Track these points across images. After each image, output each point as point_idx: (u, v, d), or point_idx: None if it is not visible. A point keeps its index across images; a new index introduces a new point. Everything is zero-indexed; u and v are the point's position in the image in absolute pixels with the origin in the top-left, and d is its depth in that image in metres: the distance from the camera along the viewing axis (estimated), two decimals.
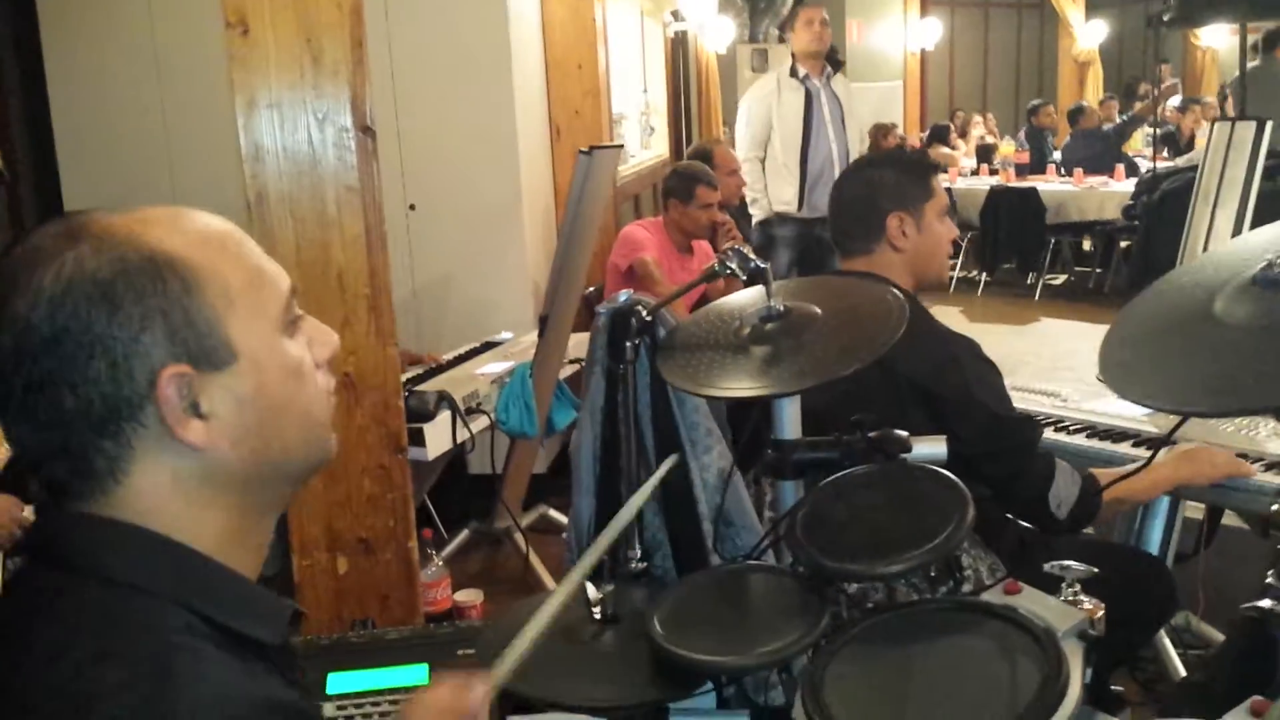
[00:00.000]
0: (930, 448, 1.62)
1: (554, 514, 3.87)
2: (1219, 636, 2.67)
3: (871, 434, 1.61)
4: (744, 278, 1.58)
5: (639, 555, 1.74)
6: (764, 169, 4.95)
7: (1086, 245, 8.86)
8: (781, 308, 1.58)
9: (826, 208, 5.39)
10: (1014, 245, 8.33)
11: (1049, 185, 8.36)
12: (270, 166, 1.85)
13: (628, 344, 1.71)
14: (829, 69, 5.06)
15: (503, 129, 4.15)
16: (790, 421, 1.65)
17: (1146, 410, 2.61)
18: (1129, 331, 1.14)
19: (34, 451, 0.81)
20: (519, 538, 3.59)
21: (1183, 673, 2.50)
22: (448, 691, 1.03)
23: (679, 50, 7.43)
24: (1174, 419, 2.46)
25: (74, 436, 0.79)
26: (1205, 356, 1.03)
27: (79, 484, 0.81)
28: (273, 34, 1.79)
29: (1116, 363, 1.11)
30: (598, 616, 1.57)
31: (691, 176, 4.01)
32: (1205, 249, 2.66)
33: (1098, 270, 8.54)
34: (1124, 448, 2.37)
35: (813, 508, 1.53)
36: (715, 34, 8.42)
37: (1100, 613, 1.35)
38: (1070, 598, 1.37)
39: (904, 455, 1.60)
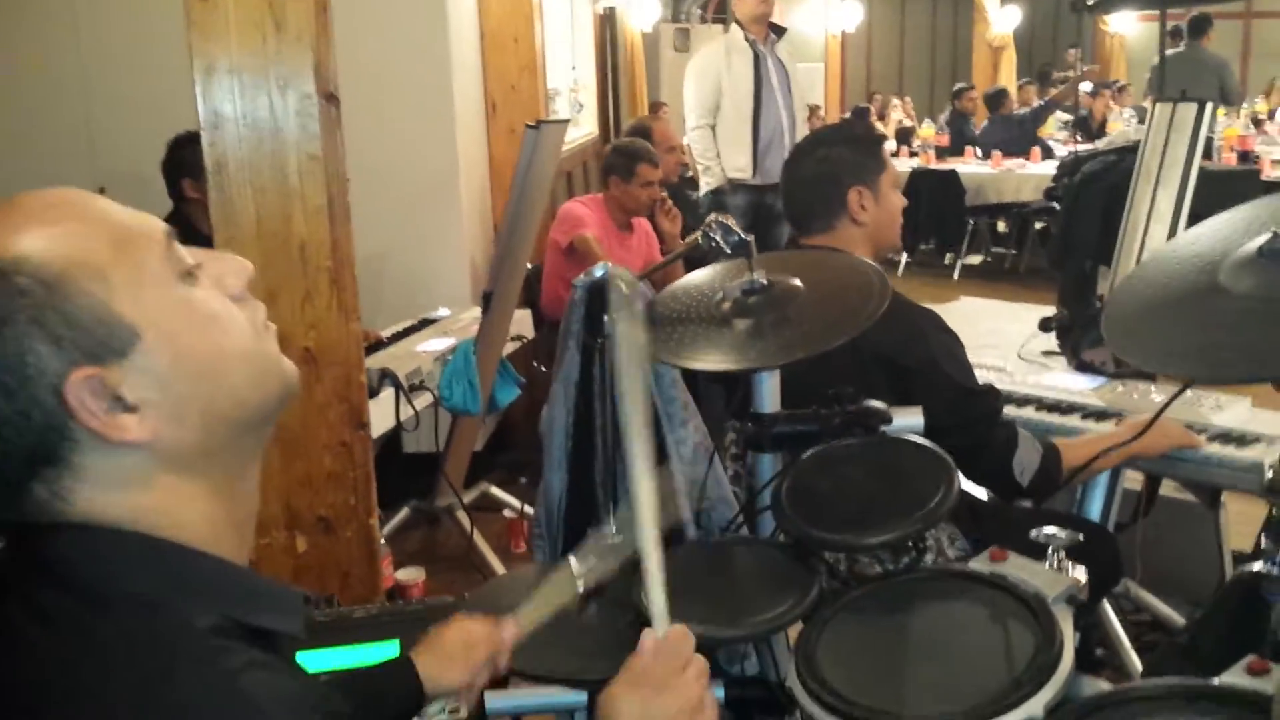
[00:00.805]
0: (908, 419, 1.64)
1: (495, 491, 3.84)
2: (1156, 603, 2.76)
3: (850, 407, 1.63)
4: (728, 250, 1.57)
5: (615, 530, 1.73)
6: (714, 136, 4.92)
7: (1001, 227, 9.07)
8: (765, 281, 1.58)
9: (778, 175, 5.41)
10: (934, 226, 8.48)
11: (968, 167, 8.52)
12: (230, 134, 1.79)
13: (605, 317, 1.69)
14: (773, 35, 5.06)
15: (440, 103, 4.08)
16: (770, 395, 1.66)
17: (1090, 384, 2.68)
18: (1132, 300, 1.16)
19: None
20: (462, 515, 3.55)
21: (1124, 638, 2.58)
22: (482, 624, 1.22)
23: (607, 28, 7.39)
24: (1120, 391, 2.54)
25: (7, 474, 0.74)
26: (1213, 325, 1.06)
27: (26, 514, 0.75)
28: None
29: (1123, 330, 1.13)
30: (581, 590, 1.56)
31: (633, 154, 3.99)
32: (1147, 228, 2.73)
33: (1013, 251, 8.76)
34: (1073, 420, 2.42)
35: (796, 479, 1.54)
36: (640, 12, 8.40)
37: (1085, 578, 1.38)
38: (1056, 564, 1.39)
39: (883, 427, 1.62)
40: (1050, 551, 1.41)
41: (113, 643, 0.72)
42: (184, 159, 3.13)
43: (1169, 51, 6.58)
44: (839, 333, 1.51)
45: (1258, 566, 1.18)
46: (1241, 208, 1.21)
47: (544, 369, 4.34)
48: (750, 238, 1.57)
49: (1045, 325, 6.34)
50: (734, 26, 5.08)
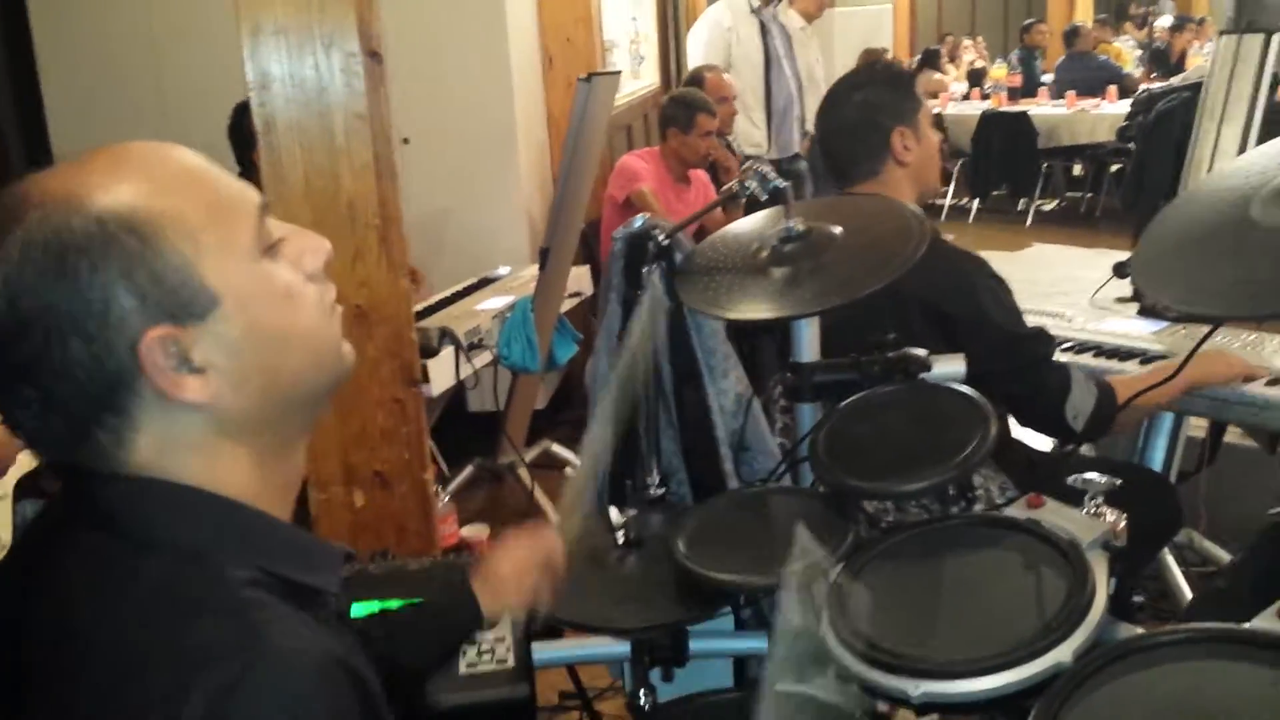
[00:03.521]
0: (949, 366, 1.63)
1: (557, 449, 3.89)
2: (1220, 553, 2.71)
3: (890, 354, 1.62)
4: (764, 197, 1.57)
5: (657, 481, 1.75)
6: None
7: (1077, 170, 8.84)
8: (801, 228, 1.57)
9: (794, 147, 5.29)
10: (1006, 171, 8.29)
11: (1041, 109, 8.30)
12: (278, 94, 1.82)
13: (644, 270, 1.69)
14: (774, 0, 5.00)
15: (496, 58, 4.09)
16: (809, 343, 1.66)
17: (1151, 328, 2.62)
18: (1163, 238, 1.14)
19: (33, 435, 0.79)
20: (523, 473, 3.61)
21: (1186, 589, 2.54)
22: (526, 542, 1.29)
23: None
24: (1182, 335, 2.49)
25: (73, 417, 0.77)
26: (1244, 260, 1.03)
27: (86, 458, 0.79)
28: None
29: (1153, 269, 1.11)
30: (621, 541, 1.58)
31: (691, 104, 3.96)
32: (1210, 166, 2.65)
33: (1088, 195, 8.54)
34: (1131, 365, 2.38)
35: (834, 428, 1.54)
36: None
37: (1123, 524, 1.36)
38: (1093, 510, 1.38)
39: (923, 374, 1.61)
40: (1086, 497, 1.39)
41: (147, 586, 0.75)
42: (247, 126, 3.19)
43: None
44: (876, 278, 1.50)
45: None
46: (1275, 141, 1.18)
47: None
48: (787, 184, 1.57)
49: (1120, 270, 6.19)
50: None
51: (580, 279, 3.90)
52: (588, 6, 4.53)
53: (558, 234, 3.32)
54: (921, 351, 1.61)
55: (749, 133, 4.90)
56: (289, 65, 1.84)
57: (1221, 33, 2.67)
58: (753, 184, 1.58)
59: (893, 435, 1.52)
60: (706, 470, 1.81)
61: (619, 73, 3.67)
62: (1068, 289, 5.80)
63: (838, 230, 1.60)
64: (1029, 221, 8.28)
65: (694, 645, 1.61)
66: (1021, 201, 8.47)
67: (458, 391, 3.43)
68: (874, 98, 2.09)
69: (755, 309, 1.57)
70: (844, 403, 1.57)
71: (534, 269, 3.90)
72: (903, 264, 1.51)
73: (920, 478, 1.42)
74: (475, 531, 3.14)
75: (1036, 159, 8.15)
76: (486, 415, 3.83)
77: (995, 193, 8.59)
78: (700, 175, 4.17)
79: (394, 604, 1.36)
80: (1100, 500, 1.38)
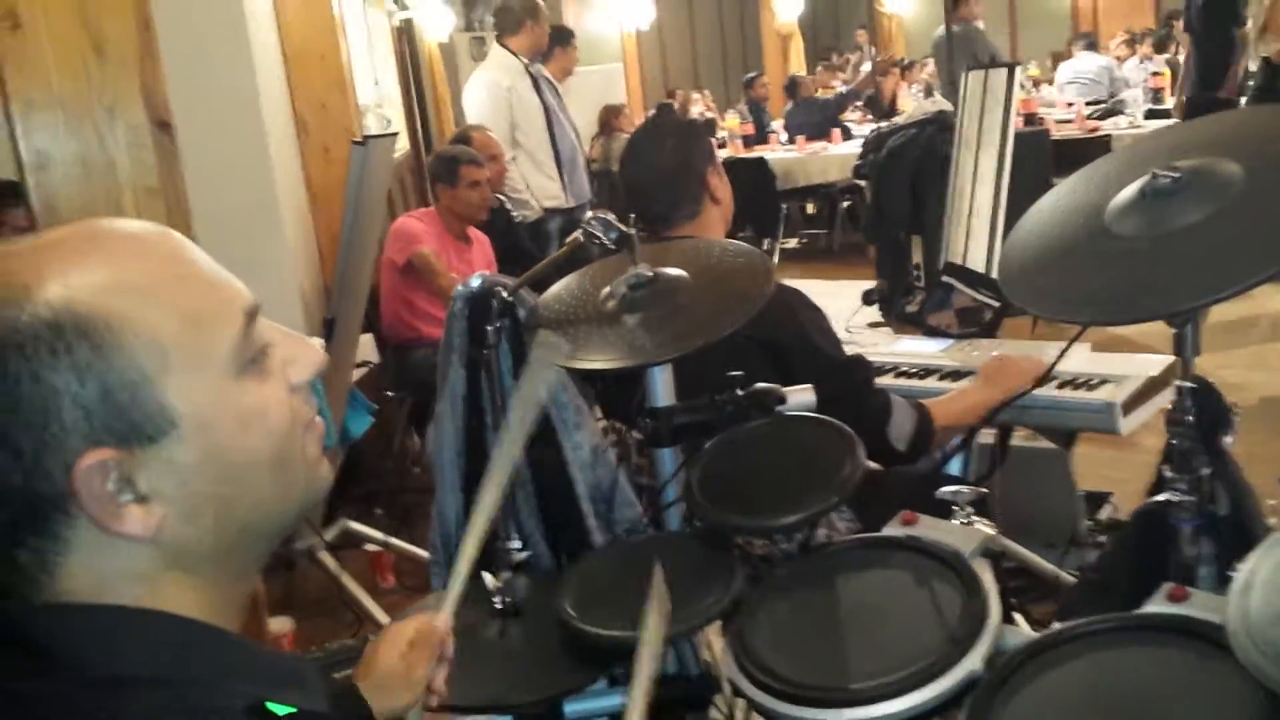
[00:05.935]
0: (801, 397, 1.66)
1: (355, 526, 3.70)
2: (1018, 548, 2.88)
3: (744, 391, 1.63)
4: (611, 245, 1.56)
5: (520, 545, 1.69)
6: (518, 168, 4.88)
7: (810, 209, 9.40)
8: (650, 274, 1.56)
9: (586, 192, 5.43)
10: (749, 214, 8.68)
11: (775, 154, 8.78)
12: (57, 174, 1.65)
13: (489, 328, 1.64)
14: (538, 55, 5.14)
15: (249, 129, 3.90)
16: (664, 388, 1.65)
17: (939, 346, 2.78)
18: (1023, 255, 1.20)
19: None
20: (325, 556, 3.41)
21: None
22: (417, 623, 1.14)
23: (405, 40, 7.24)
24: (968, 349, 2.65)
25: None
26: (1106, 268, 1.11)
27: (8, 588, 0.68)
28: (45, 23, 1.59)
29: (1022, 284, 1.17)
30: (499, 607, 1.52)
31: (452, 158, 3.94)
32: (973, 193, 2.86)
33: (825, 231, 9.09)
34: (931, 382, 2.51)
35: (706, 469, 1.53)
36: (436, 23, 8.27)
37: (994, 531, 1.42)
38: (965, 520, 1.44)
39: (779, 407, 1.63)
40: (956, 508, 1.45)
41: None
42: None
43: (940, 29, 6.93)
44: (732, 318, 1.51)
45: (1163, 496, 1.24)
46: (1105, 159, 1.28)
47: (391, 394, 4.22)
48: (633, 230, 1.56)
49: (868, 298, 6.52)
50: (502, 52, 5.06)
51: (365, 347, 3.76)
52: (340, 71, 4.41)
53: (344, 302, 3.19)
54: (775, 386, 1.63)
55: (545, 186, 4.93)
56: (68, 141, 1.67)
57: (969, 69, 2.89)
58: (598, 232, 1.56)
59: (763, 470, 1.54)
60: (570, 528, 1.77)
61: (395, 134, 3.58)
62: None
63: (685, 274, 1.60)
64: (775, 260, 8.69)
65: (570, 709, 1.55)
66: (766, 242, 8.89)
67: None
68: (684, 141, 2.14)
69: (612, 358, 1.55)
70: (710, 443, 1.58)
71: (314, 341, 3.72)
72: (755, 302, 1.54)
73: (799, 508, 1.43)
74: (281, 625, 2.94)
75: (776, 201, 8.59)
76: None
77: (741, 235, 8.97)
78: (481, 236, 4.13)
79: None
80: (970, 510, 1.44)
